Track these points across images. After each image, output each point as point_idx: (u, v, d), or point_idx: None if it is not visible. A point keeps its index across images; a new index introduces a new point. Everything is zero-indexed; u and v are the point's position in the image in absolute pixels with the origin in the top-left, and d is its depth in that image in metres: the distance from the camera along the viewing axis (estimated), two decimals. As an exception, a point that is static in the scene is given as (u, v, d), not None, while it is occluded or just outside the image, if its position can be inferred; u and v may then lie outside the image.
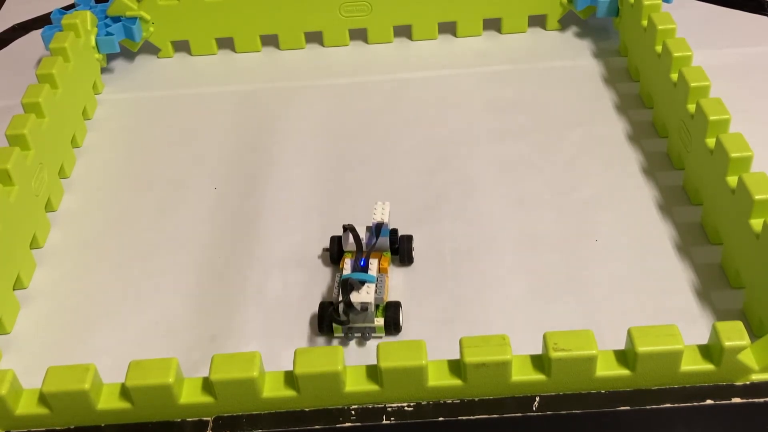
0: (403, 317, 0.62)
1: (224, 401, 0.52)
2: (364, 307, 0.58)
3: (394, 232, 0.66)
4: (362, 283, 0.59)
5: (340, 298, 0.58)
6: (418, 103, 0.84)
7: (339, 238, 0.66)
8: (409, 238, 0.66)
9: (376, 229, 0.64)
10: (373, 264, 0.61)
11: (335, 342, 0.61)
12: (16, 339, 0.63)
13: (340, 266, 0.63)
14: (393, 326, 0.60)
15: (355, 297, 0.58)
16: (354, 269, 0.60)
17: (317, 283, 0.66)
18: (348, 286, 0.59)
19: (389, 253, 0.65)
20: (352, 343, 0.60)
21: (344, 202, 0.73)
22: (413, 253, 0.66)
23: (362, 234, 0.64)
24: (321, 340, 0.61)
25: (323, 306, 0.61)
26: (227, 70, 0.91)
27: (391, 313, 0.60)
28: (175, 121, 0.84)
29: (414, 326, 0.62)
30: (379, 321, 0.60)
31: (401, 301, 0.63)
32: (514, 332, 0.54)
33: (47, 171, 0.73)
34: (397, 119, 0.82)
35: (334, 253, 0.66)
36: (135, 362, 0.51)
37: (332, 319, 0.59)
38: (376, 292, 0.60)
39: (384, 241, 0.64)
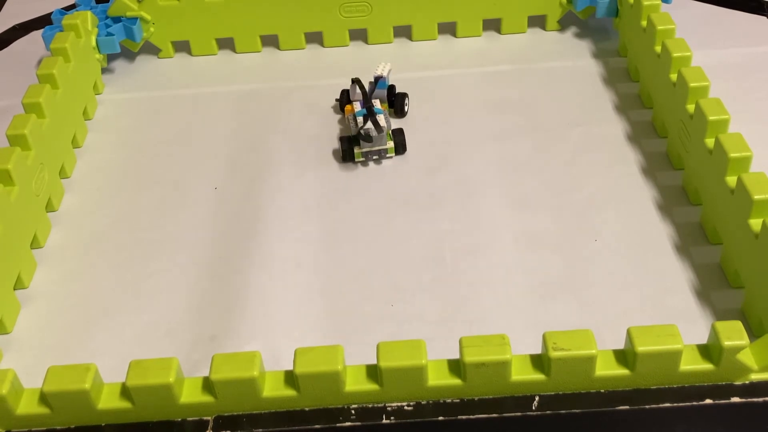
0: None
1: (224, 401, 0.52)
2: (381, 129, 0.73)
3: (391, 87, 0.81)
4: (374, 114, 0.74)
5: (364, 126, 0.73)
6: (418, 103, 0.84)
7: (347, 90, 0.80)
8: (403, 95, 0.81)
9: (375, 81, 0.80)
10: (376, 104, 0.76)
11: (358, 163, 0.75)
12: (17, 339, 0.63)
13: (347, 112, 0.78)
14: (402, 147, 0.76)
15: (373, 124, 0.73)
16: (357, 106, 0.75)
17: (317, 282, 0.66)
18: (369, 113, 0.73)
19: (386, 104, 0.80)
20: (352, 342, 0.60)
21: (344, 201, 0.73)
22: (406, 107, 0.81)
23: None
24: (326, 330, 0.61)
25: (344, 139, 0.76)
26: (227, 70, 0.91)
27: (399, 137, 0.76)
28: (176, 121, 0.84)
29: (414, 326, 0.62)
30: (390, 144, 0.75)
31: (393, 303, 0.63)
32: (514, 332, 0.54)
33: (48, 171, 0.73)
34: (398, 119, 0.82)
35: (343, 101, 0.81)
36: (135, 362, 0.51)
37: (363, 137, 0.73)
38: (385, 120, 0.74)
39: (381, 92, 0.80)
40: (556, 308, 0.63)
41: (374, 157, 0.76)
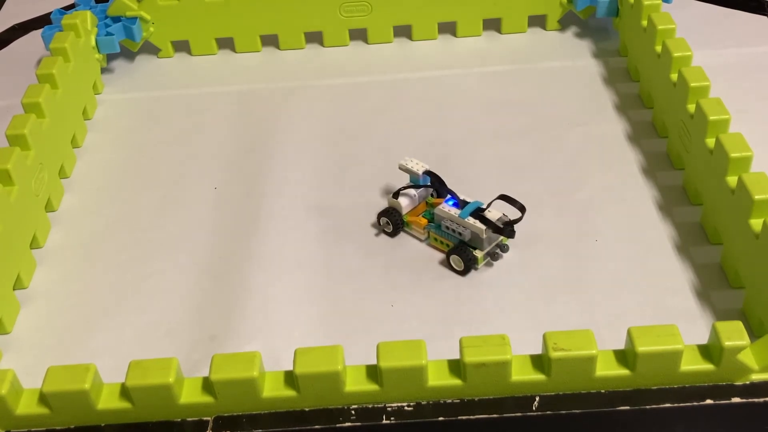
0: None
1: (224, 401, 0.52)
2: (505, 220, 0.64)
3: (431, 175, 0.70)
4: (481, 210, 0.65)
5: (483, 227, 0.63)
6: (418, 103, 0.84)
7: (390, 210, 0.68)
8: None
9: (434, 178, 0.69)
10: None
11: (480, 267, 0.66)
12: (16, 339, 0.63)
13: (419, 225, 0.67)
14: (513, 232, 0.64)
15: (492, 216, 0.64)
16: (449, 208, 0.66)
17: (317, 282, 0.66)
18: (479, 216, 0.64)
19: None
20: (352, 342, 0.60)
21: (344, 202, 0.73)
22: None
23: (407, 194, 0.69)
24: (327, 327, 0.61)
25: (460, 248, 0.65)
26: (227, 70, 0.91)
27: (508, 225, 0.64)
28: (175, 121, 0.84)
29: (414, 326, 0.62)
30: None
31: (394, 303, 0.63)
32: (514, 332, 0.54)
33: (47, 171, 0.73)
34: (397, 119, 0.82)
35: (398, 222, 0.68)
36: (135, 362, 0.51)
37: (508, 232, 0.64)
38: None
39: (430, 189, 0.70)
40: (556, 308, 0.63)
41: (498, 253, 0.66)
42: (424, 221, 0.68)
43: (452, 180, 0.74)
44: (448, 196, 0.67)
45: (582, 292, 0.64)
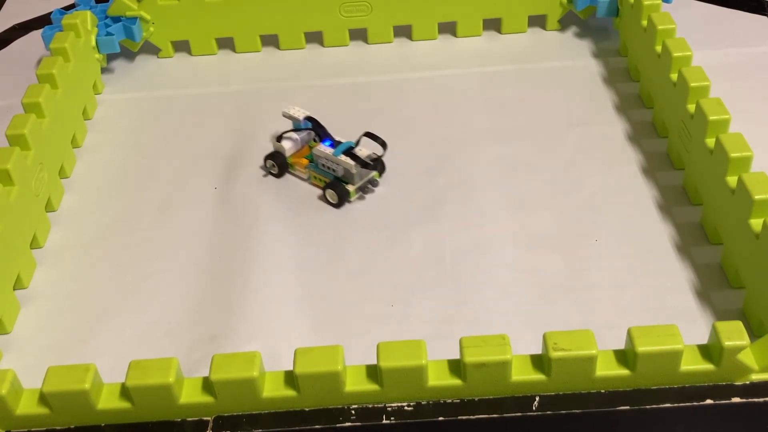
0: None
1: (224, 401, 0.52)
2: (373, 157, 0.71)
3: (312, 121, 0.76)
4: (351, 148, 0.72)
5: (353, 163, 0.70)
6: (418, 103, 0.84)
7: (275, 153, 0.75)
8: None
9: (314, 124, 0.75)
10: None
11: (353, 200, 0.72)
12: (16, 339, 0.63)
13: (300, 165, 0.74)
14: (383, 167, 0.73)
15: (362, 154, 0.71)
16: (324, 148, 0.72)
17: (317, 282, 0.66)
18: (350, 154, 0.71)
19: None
20: (352, 342, 0.60)
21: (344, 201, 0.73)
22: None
23: (289, 138, 0.75)
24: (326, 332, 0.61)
25: (332, 184, 0.71)
26: (227, 70, 0.91)
27: (379, 162, 0.72)
28: (175, 121, 0.84)
29: (414, 326, 0.62)
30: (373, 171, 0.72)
31: (394, 303, 0.64)
32: (514, 332, 0.54)
33: (47, 171, 0.73)
34: (397, 119, 0.82)
35: (283, 164, 0.75)
36: (135, 362, 0.51)
37: (371, 166, 0.71)
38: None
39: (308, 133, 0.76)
40: (556, 308, 0.63)
41: (369, 187, 0.73)
42: (305, 162, 0.75)
43: (452, 180, 0.74)
44: (324, 138, 0.74)
45: (582, 292, 0.64)
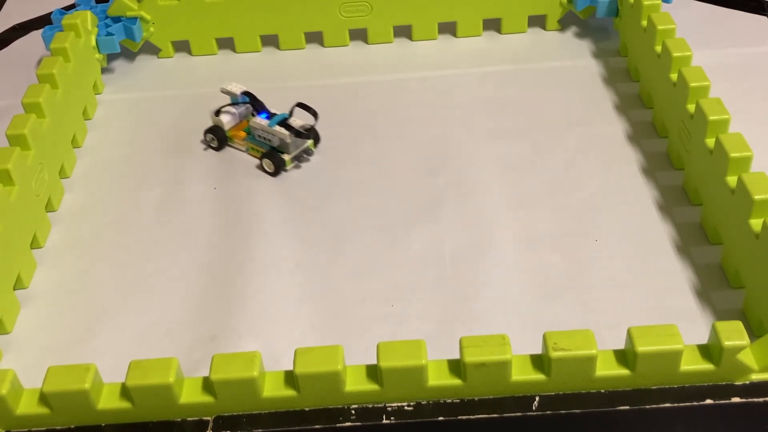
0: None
1: (224, 401, 0.52)
2: (306, 127, 0.75)
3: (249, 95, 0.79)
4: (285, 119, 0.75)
5: (287, 133, 0.74)
6: (418, 103, 0.84)
7: (214, 128, 0.78)
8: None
9: (251, 98, 0.78)
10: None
11: (289, 169, 0.76)
12: (17, 339, 0.63)
13: (238, 137, 0.78)
14: (317, 138, 0.77)
15: (296, 124, 0.75)
16: (259, 120, 0.76)
17: (317, 282, 0.66)
18: (284, 124, 0.74)
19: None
20: (352, 342, 0.60)
21: (344, 201, 0.73)
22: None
23: (230, 112, 0.79)
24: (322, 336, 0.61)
25: (268, 154, 0.75)
26: (227, 70, 0.91)
27: (313, 132, 0.76)
28: (176, 121, 0.84)
29: (414, 326, 0.62)
30: (308, 140, 0.76)
31: (394, 303, 0.64)
32: (514, 332, 0.54)
33: (48, 171, 0.73)
34: (397, 119, 0.82)
35: (222, 137, 0.78)
36: (135, 362, 0.51)
37: (305, 135, 0.74)
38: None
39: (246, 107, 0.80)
40: (556, 308, 0.63)
41: (304, 156, 0.77)
42: (243, 134, 0.78)
43: (452, 180, 0.74)
44: (260, 111, 0.77)
45: (582, 292, 0.64)
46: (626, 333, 0.52)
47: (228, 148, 0.79)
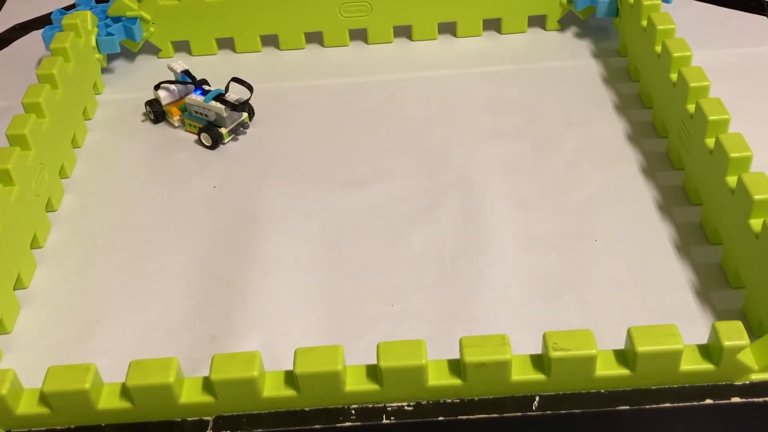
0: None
1: (224, 401, 0.52)
2: (241, 101, 0.77)
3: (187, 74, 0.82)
4: (221, 94, 0.78)
5: (223, 107, 0.77)
6: (418, 103, 0.84)
7: (153, 100, 0.82)
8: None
9: (188, 75, 0.82)
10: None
11: (227, 142, 0.79)
12: (17, 339, 0.63)
13: (175, 114, 0.81)
14: (252, 111, 0.81)
15: (231, 99, 0.78)
16: (195, 96, 0.79)
17: (317, 282, 0.66)
18: (220, 99, 0.77)
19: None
20: (352, 342, 0.60)
21: (344, 201, 0.73)
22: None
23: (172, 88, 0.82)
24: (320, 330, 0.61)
25: (205, 128, 0.78)
26: (227, 70, 0.90)
27: (248, 105, 0.79)
28: (175, 121, 0.84)
29: (414, 326, 0.62)
30: (243, 114, 0.80)
31: (394, 303, 0.64)
32: (514, 332, 0.54)
33: (48, 171, 0.73)
34: (397, 119, 0.82)
35: (159, 111, 0.82)
36: (135, 362, 0.51)
37: (240, 108, 0.77)
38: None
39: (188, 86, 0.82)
40: (556, 308, 0.63)
41: (241, 129, 0.80)
42: (177, 111, 0.82)
43: (452, 180, 0.74)
44: (196, 88, 0.80)
45: (582, 292, 0.64)
46: (626, 333, 0.52)
47: (164, 124, 0.83)
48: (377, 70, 0.89)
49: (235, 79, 0.80)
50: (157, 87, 0.82)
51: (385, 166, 0.76)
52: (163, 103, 0.82)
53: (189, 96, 0.79)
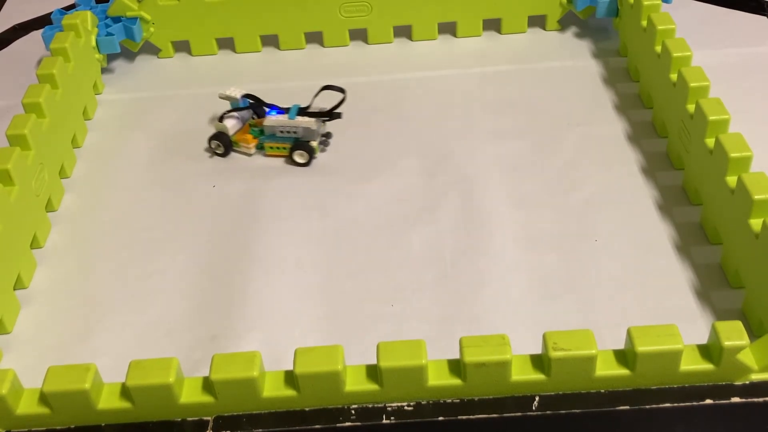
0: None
1: (224, 401, 0.52)
2: (324, 109, 0.76)
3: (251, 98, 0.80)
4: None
5: (312, 120, 0.76)
6: (418, 103, 0.84)
7: (218, 134, 0.78)
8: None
9: (255, 101, 0.79)
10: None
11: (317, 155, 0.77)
12: (17, 339, 0.63)
13: (250, 140, 0.77)
14: (338, 112, 0.77)
15: (316, 109, 0.77)
16: (276, 117, 0.77)
17: (317, 282, 0.66)
18: (304, 113, 0.76)
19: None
20: (352, 342, 0.60)
21: (344, 201, 0.73)
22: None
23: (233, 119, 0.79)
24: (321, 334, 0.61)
25: (299, 145, 0.76)
26: (227, 70, 0.91)
27: (331, 110, 0.77)
28: (176, 122, 0.84)
29: (414, 326, 0.62)
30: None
31: (394, 303, 0.64)
32: (514, 332, 0.54)
33: (48, 171, 0.73)
34: (397, 119, 0.82)
35: (227, 143, 0.78)
36: (135, 362, 0.51)
37: (336, 116, 0.76)
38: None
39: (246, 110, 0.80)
40: (556, 308, 0.63)
41: (326, 140, 0.79)
42: (251, 138, 0.78)
43: (452, 180, 0.74)
44: (268, 109, 0.78)
45: (582, 292, 0.64)
46: (626, 333, 0.52)
47: (233, 154, 0.79)
48: (377, 70, 0.89)
49: (327, 87, 0.78)
50: (221, 119, 0.77)
51: (385, 166, 0.76)
52: (231, 133, 0.78)
53: (268, 118, 0.76)
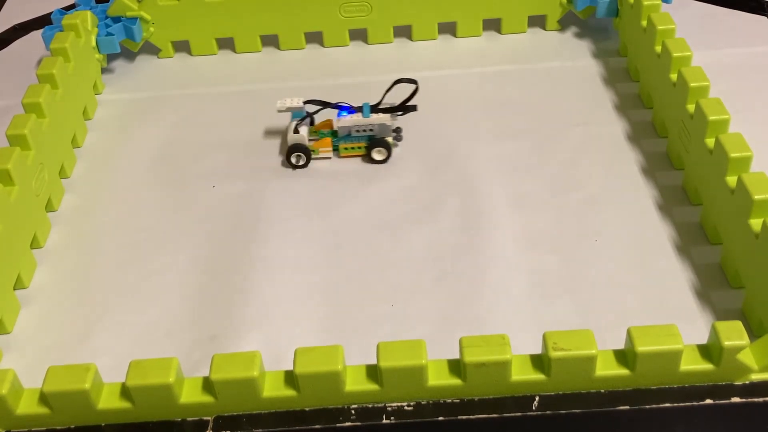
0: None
1: (224, 401, 0.52)
2: (394, 104, 0.75)
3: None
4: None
5: (387, 116, 0.75)
6: (418, 103, 0.84)
7: (296, 145, 0.75)
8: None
9: (319, 103, 0.77)
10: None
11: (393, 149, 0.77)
12: (17, 339, 0.63)
13: (326, 144, 0.76)
14: (413, 105, 0.76)
15: (389, 105, 0.75)
16: (350, 117, 0.75)
17: (317, 282, 0.66)
18: (377, 110, 0.75)
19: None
20: (352, 342, 0.60)
21: (344, 201, 0.73)
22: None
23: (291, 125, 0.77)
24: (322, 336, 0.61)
25: (376, 141, 0.75)
26: (227, 70, 0.91)
27: (404, 103, 0.75)
28: (176, 121, 0.84)
29: (414, 326, 0.62)
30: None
31: (394, 303, 0.64)
32: (514, 332, 0.54)
33: (48, 171, 0.73)
34: (398, 119, 0.82)
35: (308, 152, 0.76)
36: (135, 362, 0.51)
37: (410, 109, 0.75)
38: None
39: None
40: (556, 308, 0.63)
41: (397, 134, 0.78)
42: (326, 142, 0.76)
43: (452, 179, 0.74)
44: (338, 110, 0.76)
45: (582, 292, 0.64)
46: (626, 333, 0.52)
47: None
48: (377, 70, 0.89)
49: (399, 80, 0.76)
50: (296, 131, 0.75)
51: (384, 166, 0.76)
52: (308, 142, 0.76)
53: (341, 119, 0.75)
